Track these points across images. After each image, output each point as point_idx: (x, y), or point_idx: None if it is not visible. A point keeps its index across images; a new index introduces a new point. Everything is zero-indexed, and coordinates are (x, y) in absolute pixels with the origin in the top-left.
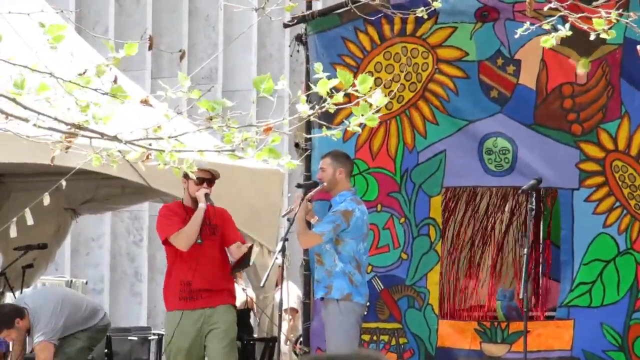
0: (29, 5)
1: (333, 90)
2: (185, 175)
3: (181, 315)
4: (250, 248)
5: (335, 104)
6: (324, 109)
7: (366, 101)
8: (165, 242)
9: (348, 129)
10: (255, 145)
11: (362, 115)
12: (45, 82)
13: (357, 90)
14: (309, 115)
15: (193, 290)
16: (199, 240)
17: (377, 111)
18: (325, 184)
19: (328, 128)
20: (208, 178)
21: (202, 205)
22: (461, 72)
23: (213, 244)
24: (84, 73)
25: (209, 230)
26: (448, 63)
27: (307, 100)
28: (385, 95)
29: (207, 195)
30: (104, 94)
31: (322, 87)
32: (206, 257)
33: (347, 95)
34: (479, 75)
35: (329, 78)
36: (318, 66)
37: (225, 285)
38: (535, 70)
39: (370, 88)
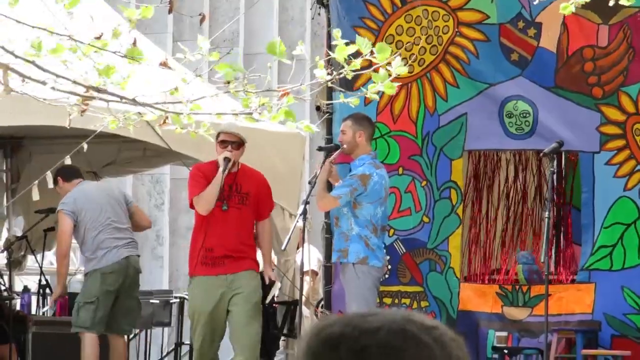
0: None
1: (351, 57)
2: (217, 137)
3: (205, 281)
4: (272, 283)
5: (354, 70)
6: (341, 75)
7: (386, 69)
8: (191, 204)
9: (366, 96)
10: (271, 109)
11: (381, 82)
12: (63, 44)
13: (375, 57)
14: (327, 81)
15: (215, 257)
16: (225, 207)
17: (396, 78)
18: (345, 146)
19: (346, 94)
20: (232, 141)
21: (220, 169)
22: (482, 35)
23: (240, 213)
24: (100, 36)
25: (238, 199)
26: (469, 26)
27: (328, 65)
28: (406, 62)
29: (227, 160)
30: (122, 56)
31: (339, 54)
32: (231, 225)
33: (366, 60)
34: (499, 38)
35: (349, 42)
36: (337, 32)
37: (248, 253)
38: (556, 33)
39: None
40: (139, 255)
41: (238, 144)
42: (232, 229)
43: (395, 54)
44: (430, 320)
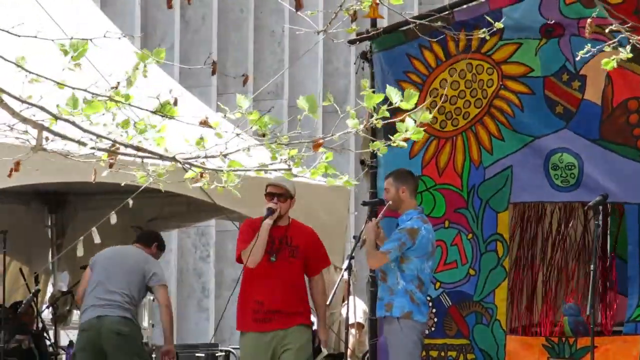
0: (93, 28)
1: (380, 105)
2: (266, 189)
3: (255, 337)
4: (319, 351)
5: (384, 119)
6: (371, 124)
7: (410, 116)
8: (239, 258)
9: (392, 144)
10: (302, 162)
11: (406, 130)
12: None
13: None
14: (358, 130)
15: (266, 311)
16: (273, 259)
17: (422, 125)
18: (390, 202)
19: (381, 141)
20: (279, 193)
21: (265, 221)
22: (526, 88)
23: (290, 265)
24: (116, 86)
25: (288, 252)
26: (513, 79)
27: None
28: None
29: (270, 210)
30: (152, 112)
31: (368, 102)
32: (280, 277)
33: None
34: (544, 91)
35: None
36: (364, 82)
37: (299, 307)
38: (601, 85)
39: (416, 104)
40: (126, 317)
41: (285, 196)
42: (282, 282)
43: (430, 101)
44: None
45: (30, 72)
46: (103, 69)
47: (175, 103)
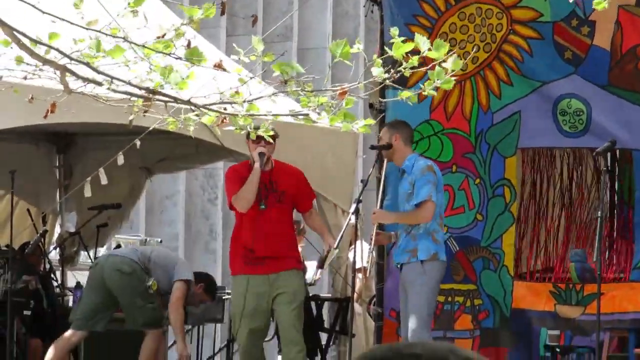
0: None
1: (408, 54)
2: (247, 135)
3: (246, 280)
4: (329, 251)
5: (411, 68)
6: (400, 73)
7: (441, 66)
8: (231, 205)
9: (423, 92)
10: (330, 110)
11: (438, 79)
12: (123, 45)
13: (432, 54)
14: (385, 79)
15: (256, 257)
16: (263, 206)
17: (453, 75)
18: (384, 152)
19: (402, 90)
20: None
21: (256, 165)
22: (535, 33)
23: (279, 212)
24: (162, 36)
25: (275, 197)
26: (522, 24)
27: (382, 64)
28: (460, 58)
29: (262, 155)
30: (177, 58)
31: (397, 51)
32: (270, 224)
33: (421, 57)
34: (553, 36)
35: (404, 40)
36: (394, 31)
37: (289, 252)
38: (610, 31)
39: (445, 54)
40: (132, 259)
41: (275, 137)
42: (272, 229)
43: (452, 51)
44: (472, 354)
45: (44, 12)
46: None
47: (189, 45)
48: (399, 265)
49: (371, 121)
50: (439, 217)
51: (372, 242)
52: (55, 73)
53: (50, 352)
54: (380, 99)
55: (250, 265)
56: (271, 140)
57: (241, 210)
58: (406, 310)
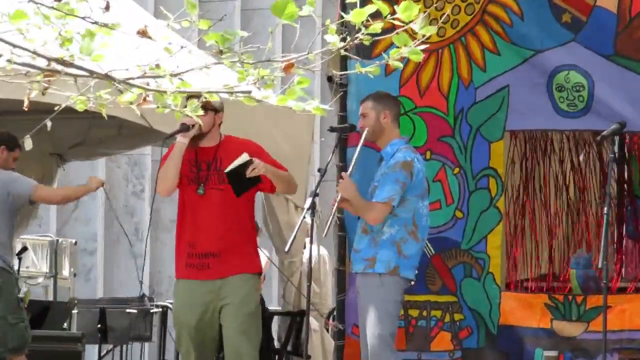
0: None
1: (369, 19)
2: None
3: (188, 286)
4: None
5: (373, 35)
6: (357, 41)
7: (411, 31)
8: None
9: (388, 63)
10: (274, 84)
11: (405, 46)
12: (23, 8)
13: (397, 19)
14: (339, 49)
15: (199, 254)
16: (200, 190)
17: (422, 42)
18: (367, 130)
19: (364, 63)
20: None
21: (179, 139)
22: None
23: (223, 195)
24: None
25: (218, 178)
26: None
27: (342, 29)
28: (436, 23)
29: (183, 126)
30: (93, 22)
31: (356, 17)
32: (211, 212)
33: (388, 23)
34: None
35: (363, 3)
36: None
37: (238, 248)
38: None
39: (415, 16)
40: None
41: (205, 109)
42: (215, 217)
43: (423, 13)
44: None
45: None
46: None
47: (107, 8)
48: (355, 273)
49: (322, 108)
50: (411, 225)
51: (333, 211)
52: None
53: None
54: (339, 73)
55: (193, 268)
56: (201, 112)
57: (161, 193)
58: (365, 327)
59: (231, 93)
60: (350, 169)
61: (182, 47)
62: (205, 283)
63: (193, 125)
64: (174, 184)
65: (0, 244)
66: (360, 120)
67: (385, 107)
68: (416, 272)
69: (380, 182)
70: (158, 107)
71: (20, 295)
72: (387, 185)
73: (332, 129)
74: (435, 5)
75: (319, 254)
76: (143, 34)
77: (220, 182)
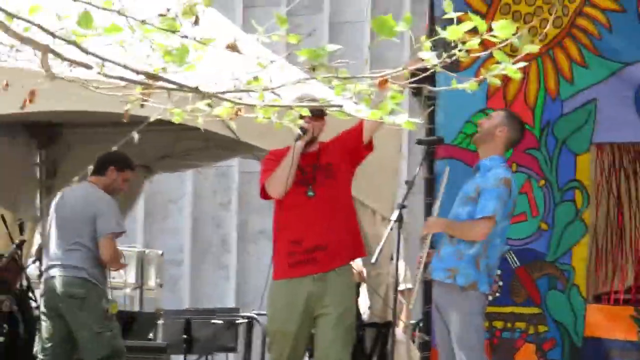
0: None
1: (465, 34)
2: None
3: (284, 286)
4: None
5: (467, 51)
6: (454, 58)
7: (510, 47)
8: (263, 191)
9: (488, 80)
10: (370, 99)
11: (504, 63)
12: (119, 23)
13: (494, 36)
14: (435, 65)
15: (304, 250)
16: (310, 193)
17: (520, 59)
18: (479, 131)
19: (458, 79)
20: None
21: (297, 142)
22: (616, 4)
23: (331, 191)
24: (166, 13)
25: (322, 174)
26: None
27: (432, 46)
28: (532, 41)
29: (302, 130)
30: (183, 37)
31: (453, 34)
32: (321, 211)
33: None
34: (637, 9)
35: (458, 18)
36: (448, 5)
37: (347, 239)
38: None
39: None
40: (78, 277)
41: (317, 115)
42: (323, 214)
43: (519, 32)
44: None
45: None
46: None
47: (197, 22)
48: (433, 279)
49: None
50: (491, 242)
51: (421, 266)
52: (35, 54)
53: None
54: (429, 86)
55: (294, 267)
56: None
57: (274, 195)
58: (446, 339)
59: (324, 107)
60: (436, 205)
61: (271, 62)
62: (305, 279)
63: (307, 130)
64: (289, 185)
65: (86, 259)
66: (483, 119)
67: (508, 125)
68: (491, 289)
69: (483, 196)
70: (256, 117)
71: (106, 305)
72: (491, 200)
73: (419, 142)
74: (523, 18)
75: (405, 265)
76: (232, 48)
77: (326, 177)
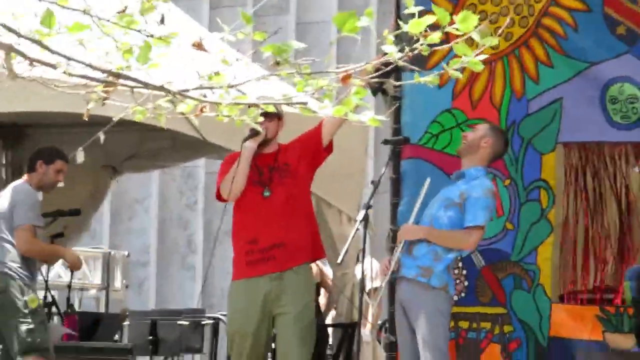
0: None
1: (427, 29)
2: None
3: (241, 286)
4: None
5: (431, 45)
6: (415, 52)
7: (471, 40)
8: (218, 194)
9: (449, 73)
10: (333, 94)
11: (464, 55)
12: (79, 20)
13: (457, 29)
14: (398, 59)
15: (262, 249)
16: (266, 193)
17: (482, 52)
18: (464, 142)
19: (421, 73)
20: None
21: (247, 143)
22: (582, 3)
23: (287, 190)
24: (124, 10)
25: (279, 175)
26: None
27: (396, 41)
28: (492, 34)
29: (252, 131)
30: (149, 36)
31: (414, 27)
32: (278, 210)
33: (443, 33)
34: (603, 8)
35: (420, 13)
36: (409, 0)
37: (305, 238)
38: None
39: (474, 27)
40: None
41: (271, 115)
42: (281, 213)
43: (480, 25)
44: None
45: None
46: None
47: (163, 21)
48: (402, 276)
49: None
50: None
51: (389, 271)
52: None
53: None
54: (394, 82)
55: (251, 265)
56: (261, 119)
57: (229, 198)
58: (408, 338)
59: (288, 104)
60: (413, 212)
61: (237, 60)
62: (262, 278)
63: (259, 132)
64: (242, 188)
65: (7, 252)
66: (467, 132)
67: (493, 138)
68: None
69: (473, 205)
70: (218, 115)
71: (25, 299)
72: (482, 209)
73: (386, 142)
74: (489, 18)
75: (372, 265)
76: (198, 46)
77: (282, 177)
